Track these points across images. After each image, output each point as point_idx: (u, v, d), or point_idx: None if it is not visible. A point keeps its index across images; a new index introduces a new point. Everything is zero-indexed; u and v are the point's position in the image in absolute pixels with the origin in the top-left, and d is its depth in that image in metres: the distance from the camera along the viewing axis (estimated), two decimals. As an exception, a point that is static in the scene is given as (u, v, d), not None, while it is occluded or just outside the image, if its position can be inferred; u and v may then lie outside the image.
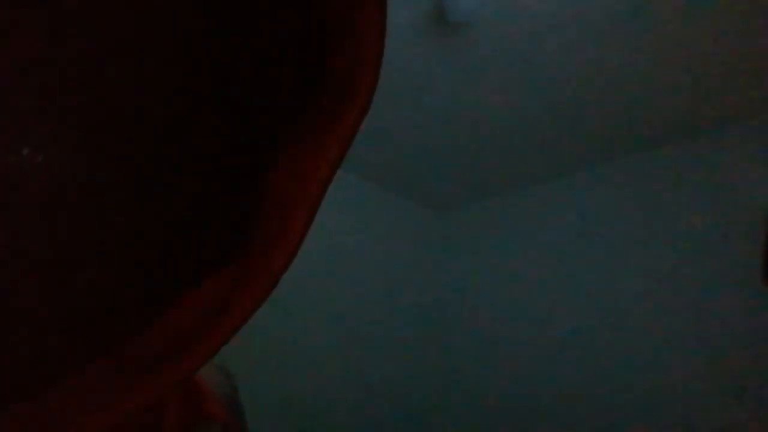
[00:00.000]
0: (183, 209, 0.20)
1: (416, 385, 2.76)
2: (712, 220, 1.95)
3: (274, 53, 0.19)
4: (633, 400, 2.05)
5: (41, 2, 0.16)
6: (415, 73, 1.83)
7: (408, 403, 2.70)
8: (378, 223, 2.70)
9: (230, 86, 0.20)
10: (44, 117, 0.18)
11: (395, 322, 2.70)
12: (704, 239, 1.96)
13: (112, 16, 0.18)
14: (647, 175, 2.19)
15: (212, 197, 0.20)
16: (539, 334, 2.44)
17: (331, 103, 0.18)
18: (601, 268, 2.26)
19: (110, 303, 0.19)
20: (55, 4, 0.17)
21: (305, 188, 0.17)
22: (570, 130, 2.12)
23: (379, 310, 2.63)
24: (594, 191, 2.36)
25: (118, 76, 0.19)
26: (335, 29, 0.17)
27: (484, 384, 2.63)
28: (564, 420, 2.27)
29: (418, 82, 1.88)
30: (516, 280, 2.60)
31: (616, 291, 2.19)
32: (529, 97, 1.93)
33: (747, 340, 1.79)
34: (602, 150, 2.24)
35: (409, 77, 1.86)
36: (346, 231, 2.55)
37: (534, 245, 2.55)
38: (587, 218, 2.36)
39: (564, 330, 2.34)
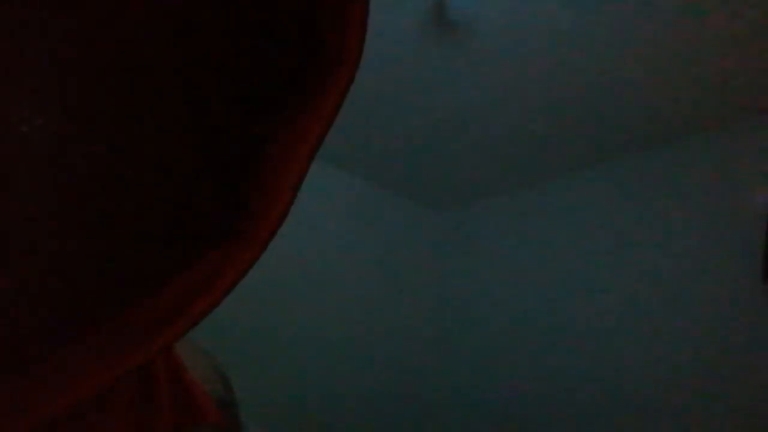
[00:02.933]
0: (180, 183, 0.20)
1: (416, 385, 2.76)
2: (712, 220, 1.95)
3: (268, 30, 0.19)
4: (633, 399, 2.05)
5: None
6: (414, 73, 1.83)
7: (408, 402, 2.70)
8: (378, 223, 2.70)
9: (222, 65, 0.20)
10: (46, 81, 0.18)
11: (395, 322, 2.70)
12: (704, 239, 1.96)
13: None
14: (647, 174, 2.19)
15: (208, 171, 0.20)
16: (539, 333, 2.44)
17: (316, 87, 0.18)
18: (600, 267, 2.26)
19: (112, 272, 0.20)
20: None
21: (289, 166, 0.18)
22: (569, 130, 2.11)
23: (378, 310, 2.63)
24: (593, 191, 2.36)
25: (117, 48, 0.19)
26: (326, 9, 0.18)
27: (484, 383, 2.64)
28: (563, 419, 2.27)
29: (417, 82, 1.88)
30: (516, 280, 2.60)
31: (616, 291, 2.19)
32: (528, 97, 1.92)
33: (747, 340, 1.79)
34: (601, 150, 2.24)
35: (408, 77, 1.86)
36: (346, 231, 2.55)
37: (534, 245, 2.55)
38: (587, 218, 2.36)
39: (564, 330, 2.34)
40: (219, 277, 0.17)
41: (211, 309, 0.17)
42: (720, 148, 1.99)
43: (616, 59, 1.69)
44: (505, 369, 2.55)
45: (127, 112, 0.20)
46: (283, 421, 2.17)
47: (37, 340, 0.18)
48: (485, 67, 1.77)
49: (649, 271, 2.10)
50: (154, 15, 0.19)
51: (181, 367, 0.30)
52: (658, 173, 2.15)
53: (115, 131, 0.20)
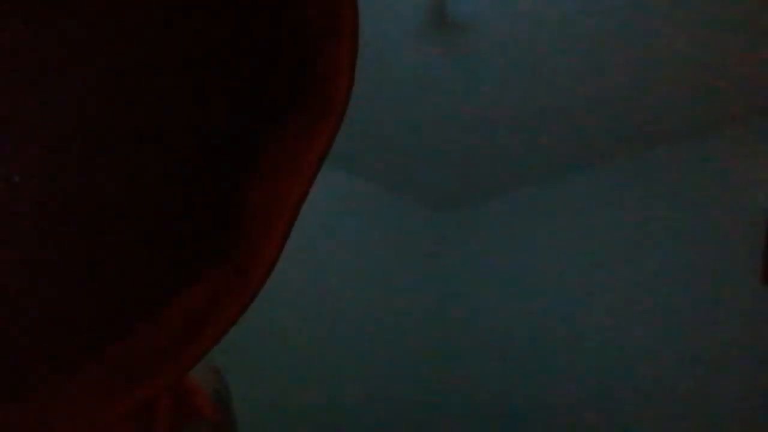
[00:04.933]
0: (166, 216, 0.20)
1: (415, 385, 2.76)
2: (712, 220, 1.95)
3: (257, 58, 0.19)
4: (633, 399, 2.05)
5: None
6: (415, 73, 1.83)
7: (407, 402, 2.70)
8: (378, 223, 2.70)
9: (210, 93, 0.20)
10: (28, 134, 0.18)
11: (394, 322, 2.70)
12: (704, 239, 1.96)
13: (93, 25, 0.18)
14: (647, 175, 2.19)
15: (194, 204, 0.20)
16: (539, 333, 2.44)
17: (311, 108, 0.18)
18: (600, 267, 2.26)
19: (96, 310, 0.19)
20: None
21: (284, 197, 0.17)
22: (569, 130, 2.11)
23: (378, 310, 2.63)
24: (593, 191, 2.36)
25: (97, 90, 0.19)
26: (314, 34, 0.18)
27: (483, 383, 2.63)
28: (561, 419, 2.27)
29: (418, 82, 1.88)
30: (515, 280, 2.60)
31: (616, 291, 2.19)
32: (528, 97, 1.92)
33: (747, 340, 1.78)
34: (601, 150, 2.24)
35: (409, 77, 1.86)
36: (346, 231, 2.55)
37: (534, 245, 2.55)
38: (587, 218, 2.36)
39: (563, 330, 2.34)
40: (218, 314, 0.17)
41: (205, 353, 0.17)
42: (720, 149, 1.99)
43: (616, 60, 1.69)
44: (504, 369, 2.55)
45: (114, 144, 0.20)
46: (280, 420, 2.17)
47: (35, 368, 0.18)
48: (485, 67, 1.78)
49: (649, 271, 2.10)
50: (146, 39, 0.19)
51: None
52: (658, 174, 2.15)
53: (101, 163, 0.20)
